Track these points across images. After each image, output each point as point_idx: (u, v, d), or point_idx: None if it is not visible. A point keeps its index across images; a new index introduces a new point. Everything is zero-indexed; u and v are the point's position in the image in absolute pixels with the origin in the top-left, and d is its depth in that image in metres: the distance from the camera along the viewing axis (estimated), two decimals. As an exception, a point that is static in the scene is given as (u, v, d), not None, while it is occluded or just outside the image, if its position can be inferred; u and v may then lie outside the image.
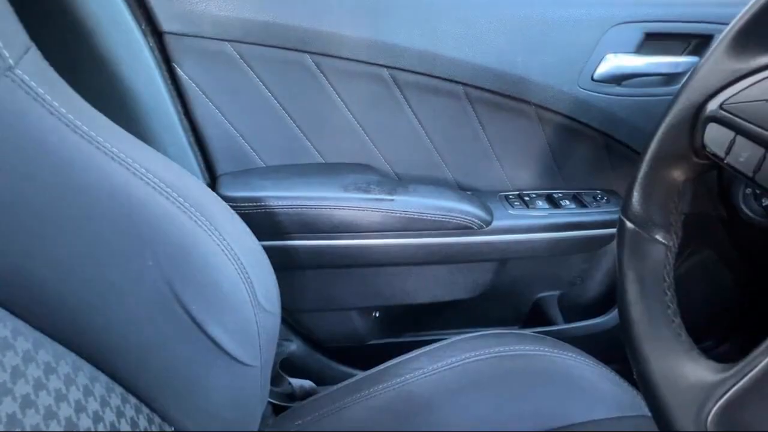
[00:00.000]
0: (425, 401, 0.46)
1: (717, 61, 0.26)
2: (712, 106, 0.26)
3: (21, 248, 0.24)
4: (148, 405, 0.31)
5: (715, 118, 0.25)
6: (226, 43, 0.44)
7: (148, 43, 0.42)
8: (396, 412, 0.45)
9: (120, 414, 0.26)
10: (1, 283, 0.23)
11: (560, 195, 0.58)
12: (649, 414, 0.42)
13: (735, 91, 0.25)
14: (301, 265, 0.53)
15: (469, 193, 0.57)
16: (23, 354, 0.21)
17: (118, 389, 0.28)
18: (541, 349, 0.49)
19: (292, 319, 0.62)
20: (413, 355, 0.49)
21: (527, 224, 0.54)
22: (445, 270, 0.58)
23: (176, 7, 0.42)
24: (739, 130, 0.24)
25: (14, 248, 0.24)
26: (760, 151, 0.22)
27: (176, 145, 0.46)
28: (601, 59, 0.48)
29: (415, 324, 0.68)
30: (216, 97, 0.48)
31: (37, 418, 0.20)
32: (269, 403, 0.55)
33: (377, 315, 0.66)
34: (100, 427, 0.23)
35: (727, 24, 0.32)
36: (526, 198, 0.57)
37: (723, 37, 0.26)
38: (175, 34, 0.43)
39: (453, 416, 0.44)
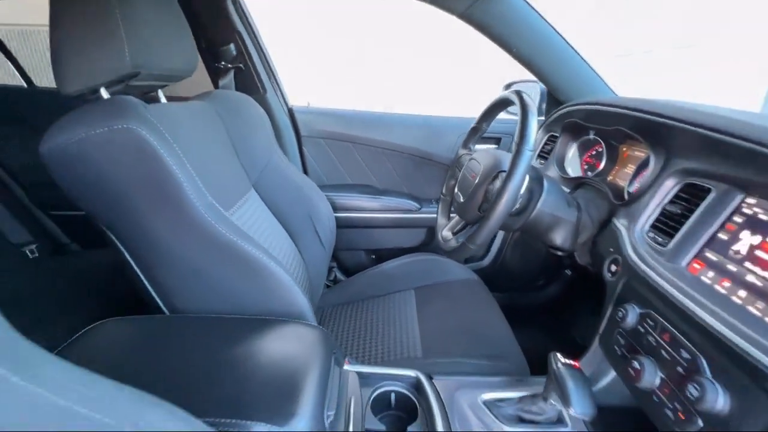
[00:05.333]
0: (388, 274, 1.17)
1: (459, 149, 1.02)
2: (459, 161, 1.01)
3: (282, 199, 0.99)
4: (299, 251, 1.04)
5: (456, 165, 1.01)
6: (320, 139, 1.24)
7: (296, 139, 1.21)
8: (376, 278, 1.17)
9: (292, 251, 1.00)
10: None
11: (455, 200, 1.33)
12: (476, 277, 1.14)
13: (461, 158, 1.00)
14: (341, 225, 1.27)
15: (413, 198, 1.32)
16: (254, 209, 0.97)
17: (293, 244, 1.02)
18: (439, 258, 1.20)
19: (333, 255, 1.35)
20: (387, 261, 1.21)
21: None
22: (401, 231, 1.32)
23: (306, 126, 1.22)
24: (458, 168, 0.99)
25: (282, 199, 0.99)
26: (458, 173, 0.97)
27: (299, 174, 1.24)
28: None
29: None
30: (314, 157, 1.27)
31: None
32: (325, 285, 1.27)
33: (374, 257, 1.39)
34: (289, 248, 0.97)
35: (506, 133, 1.10)
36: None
37: (462, 141, 1.02)
38: (305, 136, 1.23)
39: (399, 279, 1.15)
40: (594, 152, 0.94)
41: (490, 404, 0.63)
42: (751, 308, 0.45)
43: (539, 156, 1.10)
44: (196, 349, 0.53)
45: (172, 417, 0.31)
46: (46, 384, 0.25)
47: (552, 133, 1.09)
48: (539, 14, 0.98)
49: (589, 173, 0.91)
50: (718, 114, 0.60)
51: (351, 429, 0.55)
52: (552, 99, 1.18)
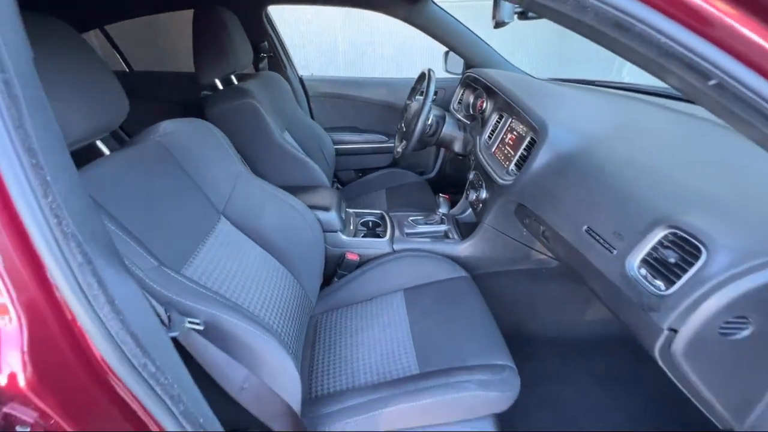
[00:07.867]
0: (369, 183, 1.92)
1: (406, 100, 1.70)
2: (405, 107, 1.71)
3: (302, 135, 1.70)
4: None
5: (404, 110, 1.70)
6: (322, 97, 1.92)
7: (306, 98, 1.89)
8: (361, 185, 1.92)
9: None
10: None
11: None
12: (423, 181, 1.90)
13: (406, 105, 1.69)
14: (337, 153, 1.98)
15: (384, 134, 2.03)
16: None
17: None
18: (402, 171, 1.94)
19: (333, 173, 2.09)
20: (368, 175, 1.95)
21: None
22: (376, 156, 2.05)
23: (312, 89, 1.90)
24: (405, 112, 1.68)
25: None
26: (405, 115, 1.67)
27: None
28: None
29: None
30: (318, 109, 1.96)
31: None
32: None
33: (360, 175, 2.12)
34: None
35: (441, 88, 1.81)
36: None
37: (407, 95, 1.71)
38: (312, 96, 1.90)
39: (375, 185, 1.90)
40: (483, 99, 1.64)
41: (413, 219, 1.40)
42: (497, 158, 1.19)
43: (458, 102, 1.80)
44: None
45: (298, 203, 1.06)
46: (266, 185, 1.01)
47: (464, 89, 1.78)
48: (452, 15, 1.64)
49: (480, 111, 1.62)
50: (507, 85, 1.30)
51: (351, 224, 1.33)
52: (468, 64, 1.85)
